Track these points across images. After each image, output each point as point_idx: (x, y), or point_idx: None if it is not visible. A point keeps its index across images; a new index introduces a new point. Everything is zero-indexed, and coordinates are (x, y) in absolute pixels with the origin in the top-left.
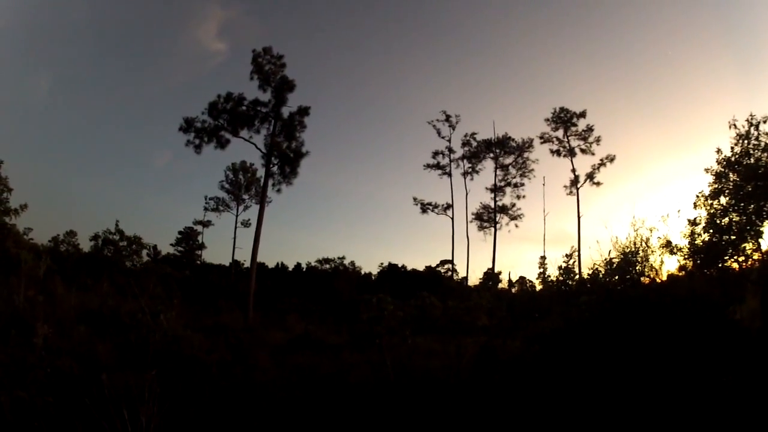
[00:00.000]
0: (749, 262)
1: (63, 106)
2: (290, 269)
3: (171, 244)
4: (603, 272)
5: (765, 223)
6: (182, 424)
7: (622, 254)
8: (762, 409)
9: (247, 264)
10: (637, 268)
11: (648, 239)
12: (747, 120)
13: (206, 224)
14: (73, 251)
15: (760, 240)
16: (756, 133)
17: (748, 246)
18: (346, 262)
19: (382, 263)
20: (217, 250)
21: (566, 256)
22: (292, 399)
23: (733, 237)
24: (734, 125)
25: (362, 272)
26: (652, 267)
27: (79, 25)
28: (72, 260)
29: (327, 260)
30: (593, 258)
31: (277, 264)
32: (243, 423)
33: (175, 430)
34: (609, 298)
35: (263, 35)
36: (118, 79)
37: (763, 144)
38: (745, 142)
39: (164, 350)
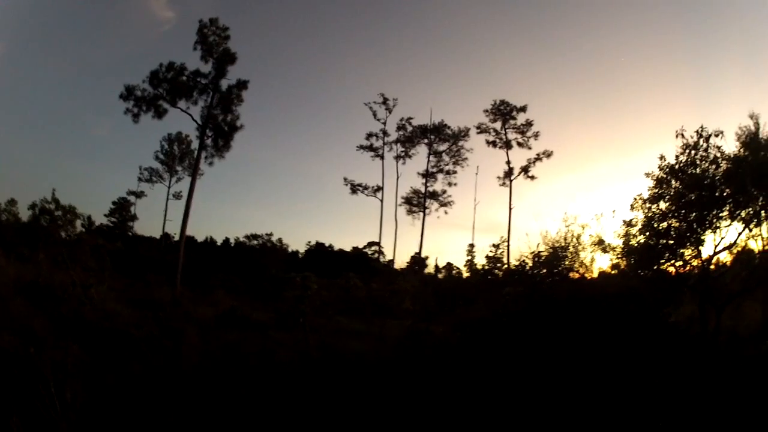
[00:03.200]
0: (687, 267)
1: (10, 74)
2: (219, 244)
3: (105, 215)
4: (530, 264)
5: (707, 232)
6: (110, 400)
7: (551, 248)
8: (696, 410)
9: (177, 237)
10: (566, 262)
11: (579, 236)
12: (696, 131)
13: (139, 195)
14: (13, 220)
15: (700, 247)
16: (705, 145)
17: (687, 252)
18: (274, 239)
19: (309, 242)
20: (148, 222)
21: (494, 245)
22: (219, 376)
23: (671, 242)
24: (682, 135)
25: (290, 250)
26: (582, 263)
27: None
28: (12, 230)
29: (255, 236)
30: (521, 250)
31: (207, 238)
32: (170, 399)
33: (102, 406)
34: (536, 290)
35: (211, 4)
36: (63, 45)
37: (711, 156)
38: (692, 152)
39: (95, 324)
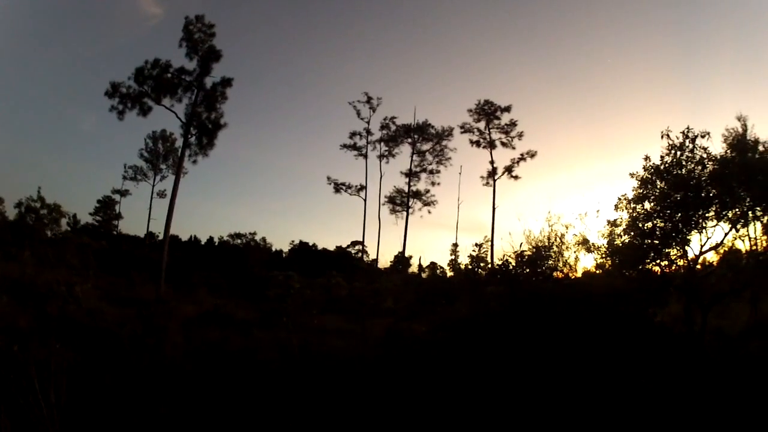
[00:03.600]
0: (673, 267)
1: None
2: (203, 243)
3: (90, 213)
4: (513, 263)
5: (692, 232)
6: (93, 399)
7: (534, 247)
8: (682, 409)
9: (162, 236)
10: (549, 262)
11: (563, 235)
12: (683, 132)
13: (124, 193)
14: (0, 219)
15: (686, 247)
16: (691, 146)
17: (673, 252)
18: (258, 238)
19: (293, 241)
20: (133, 221)
21: (476, 245)
22: (202, 375)
23: (656, 242)
24: (668, 135)
25: (273, 249)
26: (566, 263)
27: None
28: None
29: (239, 235)
30: (504, 249)
31: (190, 237)
32: (153, 398)
33: (85, 405)
34: (519, 290)
35: (199, 1)
36: (49, 40)
37: (698, 157)
38: (678, 153)
39: (80, 323)
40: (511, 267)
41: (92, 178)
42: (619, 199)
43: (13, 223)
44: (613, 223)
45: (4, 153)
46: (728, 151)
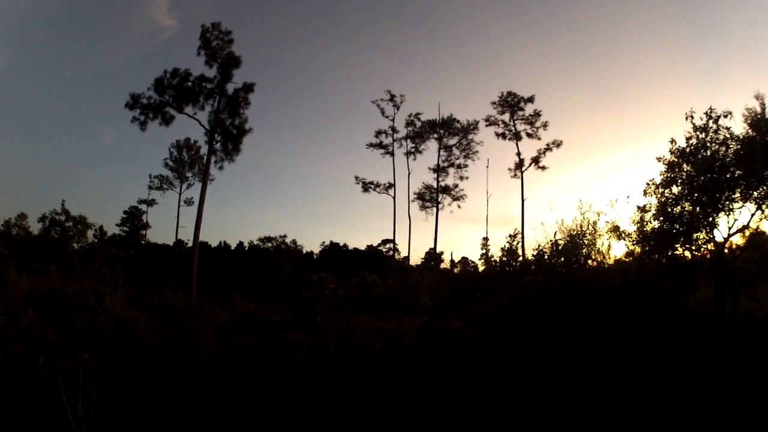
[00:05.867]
0: (702, 251)
1: (15, 86)
2: (233, 248)
3: (116, 225)
4: (548, 254)
5: (720, 215)
6: (125, 409)
7: (568, 236)
8: (718, 397)
9: (191, 243)
10: (583, 251)
11: (595, 223)
12: (706, 113)
13: (150, 203)
14: (23, 234)
15: (715, 230)
16: (714, 126)
17: (700, 236)
18: (288, 240)
19: (323, 242)
20: (161, 230)
21: (511, 236)
22: (238, 380)
23: (683, 228)
24: (691, 117)
25: (304, 251)
26: (599, 251)
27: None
28: (23, 243)
29: (269, 239)
30: (537, 240)
31: (220, 243)
32: (188, 406)
33: (116, 415)
34: (555, 279)
35: (213, 10)
36: (67, 56)
37: (721, 137)
38: (702, 134)
39: (110, 333)
40: (546, 257)
41: (116, 190)
42: (648, 184)
43: (37, 237)
44: (643, 209)
45: (28, 169)
46: (749, 130)
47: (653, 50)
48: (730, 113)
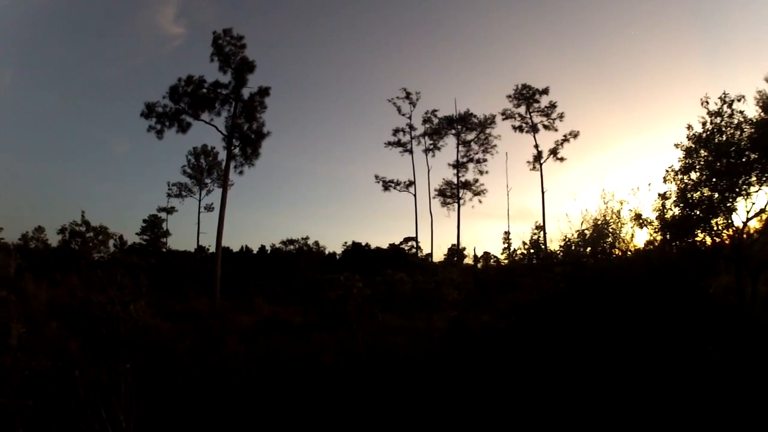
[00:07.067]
0: (723, 236)
1: (24, 98)
2: (255, 252)
3: (137, 233)
4: (575, 243)
5: (738, 199)
6: (161, 417)
7: (593, 226)
8: (741, 379)
9: (212, 249)
10: (608, 240)
11: (619, 211)
12: (720, 98)
13: (170, 211)
14: (42, 247)
15: (733, 215)
16: (729, 111)
17: (720, 221)
18: (310, 242)
19: (345, 242)
20: (181, 237)
21: (536, 227)
22: (266, 383)
23: (702, 214)
24: (706, 102)
25: (326, 252)
26: (623, 239)
27: (36, 13)
28: (41, 256)
29: (291, 241)
30: (562, 230)
31: (242, 247)
32: (219, 410)
33: (154, 424)
34: (583, 269)
35: (220, 17)
36: (76, 67)
37: (736, 122)
38: (717, 119)
39: (136, 341)
40: (573, 247)
41: (133, 199)
42: (667, 171)
43: (56, 249)
44: (663, 196)
45: (47, 181)
46: (761, 113)
47: (662, 37)
48: (743, 97)
